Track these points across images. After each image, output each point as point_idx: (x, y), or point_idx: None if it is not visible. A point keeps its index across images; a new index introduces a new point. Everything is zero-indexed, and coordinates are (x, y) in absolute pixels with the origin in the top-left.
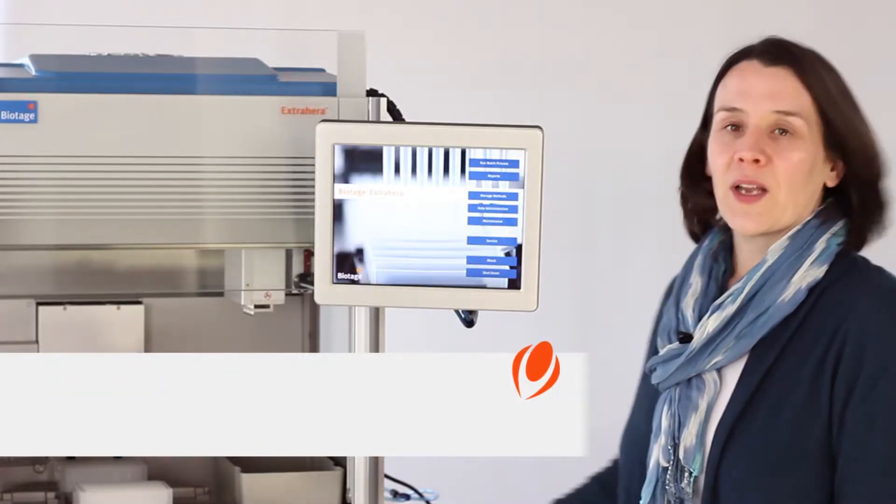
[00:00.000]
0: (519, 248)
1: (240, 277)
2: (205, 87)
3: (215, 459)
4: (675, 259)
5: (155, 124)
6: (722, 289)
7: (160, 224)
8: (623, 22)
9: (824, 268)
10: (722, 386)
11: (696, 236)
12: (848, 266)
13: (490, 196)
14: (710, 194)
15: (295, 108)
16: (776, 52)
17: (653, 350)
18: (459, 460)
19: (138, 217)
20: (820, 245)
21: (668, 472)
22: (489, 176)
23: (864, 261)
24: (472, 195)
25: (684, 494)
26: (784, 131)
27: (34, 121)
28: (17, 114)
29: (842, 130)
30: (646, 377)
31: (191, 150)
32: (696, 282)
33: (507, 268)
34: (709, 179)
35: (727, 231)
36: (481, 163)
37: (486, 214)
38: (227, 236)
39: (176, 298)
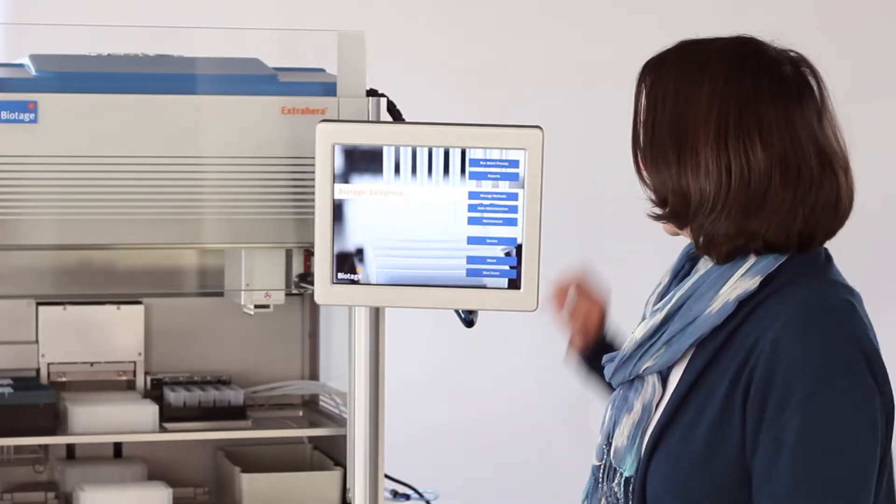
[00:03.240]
0: (519, 248)
1: (240, 277)
2: (205, 87)
3: (215, 459)
4: (674, 259)
5: (155, 124)
6: None
7: (160, 224)
8: (623, 22)
9: (757, 279)
10: (665, 390)
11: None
12: (790, 276)
13: (490, 196)
14: None
15: (295, 108)
16: None
17: None
18: (459, 460)
19: (138, 217)
20: (752, 257)
21: (601, 470)
22: (489, 176)
23: (812, 269)
24: (472, 195)
25: (613, 495)
26: None
27: (34, 121)
28: (17, 114)
29: None
30: None
31: (191, 150)
32: (663, 281)
33: (507, 268)
34: None
35: None
36: (481, 163)
37: (486, 214)
38: (227, 236)
39: (176, 298)
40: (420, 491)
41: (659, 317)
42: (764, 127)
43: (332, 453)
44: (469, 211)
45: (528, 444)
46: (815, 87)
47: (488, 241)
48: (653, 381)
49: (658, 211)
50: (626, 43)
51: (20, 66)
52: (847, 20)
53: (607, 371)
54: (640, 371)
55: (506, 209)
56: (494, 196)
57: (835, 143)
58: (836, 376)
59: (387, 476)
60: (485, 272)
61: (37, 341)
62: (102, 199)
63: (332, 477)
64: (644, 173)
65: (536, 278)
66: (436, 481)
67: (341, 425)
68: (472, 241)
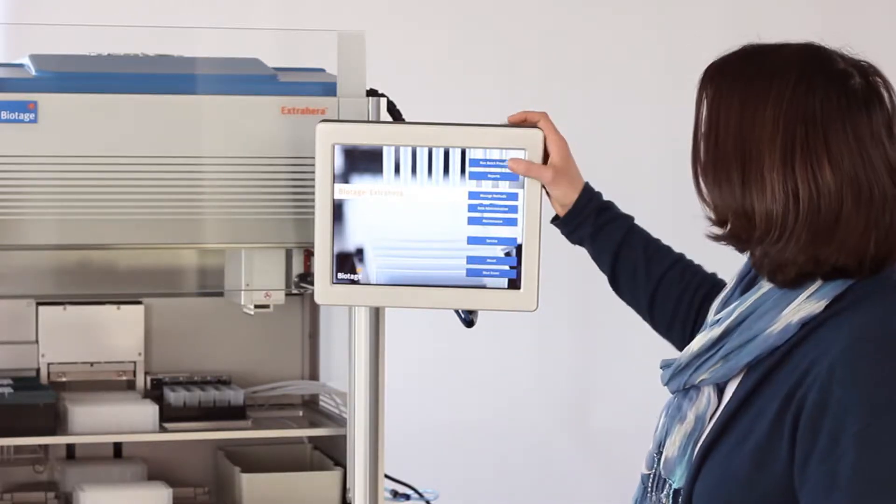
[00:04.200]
0: (519, 248)
1: (240, 277)
2: (205, 87)
3: (215, 459)
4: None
5: (155, 124)
6: None
7: (160, 224)
8: (624, 22)
9: (822, 303)
10: (721, 403)
11: None
12: (855, 298)
13: (490, 196)
14: None
15: (295, 108)
16: None
17: None
18: (459, 460)
19: (138, 217)
20: (819, 280)
21: (650, 479)
22: (489, 176)
23: (880, 290)
24: (472, 195)
25: None
26: None
27: (34, 121)
28: (17, 114)
29: None
30: None
31: (191, 150)
32: (729, 286)
33: (507, 268)
34: None
35: None
36: (481, 163)
37: (486, 214)
38: (227, 236)
39: (176, 298)
40: (420, 491)
41: (718, 330)
42: (832, 148)
43: (332, 453)
44: (469, 211)
45: (528, 444)
46: (886, 98)
47: (488, 241)
48: (708, 392)
49: (717, 231)
50: (626, 43)
51: (20, 66)
52: (848, 19)
53: (663, 377)
54: (696, 382)
55: (506, 209)
56: (494, 196)
57: None
58: (894, 409)
59: (387, 476)
60: (485, 272)
61: (37, 341)
62: (102, 199)
63: (332, 477)
64: (704, 190)
65: (536, 278)
66: (436, 481)
67: (341, 425)
68: (472, 241)
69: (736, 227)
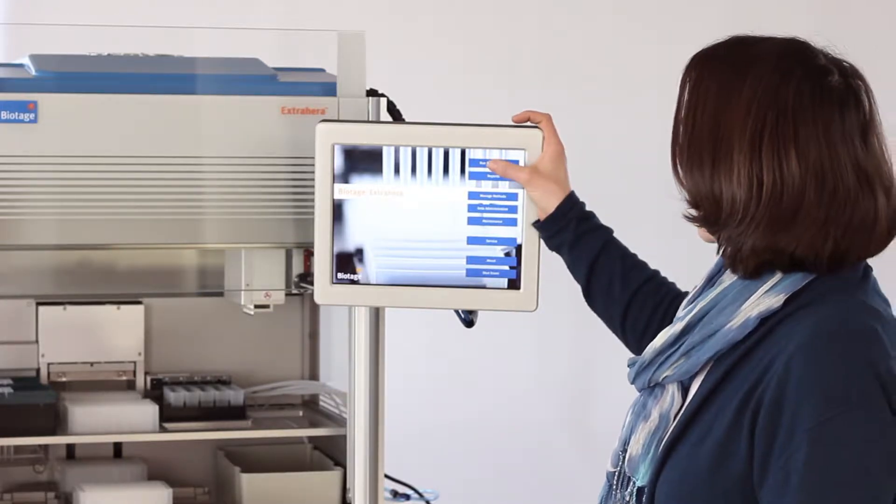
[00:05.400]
0: (519, 248)
1: (240, 277)
2: (205, 87)
3: (215, 459)
4: (674, 259)
5: (155, 124)
6: None
7: (160, 224)
8: (623, 21)
9: (781, 297)
10: (686, 400)
11: None
12: (816, 295)
13: (490, 196)
14: None
15: (295, 108)
16: None
17: None
18: (459, 460)
19: (138, 217)
20: (778, 274)
21: (615, 477)
22: (489, 176)
23: (841, 287)
24: (472, 195)
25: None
26: None
27: (34, 121)
28: (17, 114)
29: None
30: None
31: (191, 150)
32: (697, 285)
33: (506, 268)
34: None
35: None
36: (481, 163)
37: (486, 214)
38: (227, 236)
39: (176, 298)
40: (420, 491)
41: (679, 326)
42: (800, 139)
43: (332, 453)
44: (469, 211)
45: (528, 444)
46: (864, 102)
47: (488, 241)
48: (672, 390)
49: (693, 212)
50: (625, 44)
51: (20, 66)
52: (848, 20)
53: (629, 375)
54: (660, 379)
55: (506, 209)
56: (494, 196)
57: (879, 161)
58: (849, 406)
59: (387, 476)
60: (484, 272)
61: (37, 341)
62: (102, 199)
63: (332, 477)
64: (679, 172)
65: (536, 278)
66: (436, 481)
67: (341, 425)
68: (472, 241)
69: (706, 210)
